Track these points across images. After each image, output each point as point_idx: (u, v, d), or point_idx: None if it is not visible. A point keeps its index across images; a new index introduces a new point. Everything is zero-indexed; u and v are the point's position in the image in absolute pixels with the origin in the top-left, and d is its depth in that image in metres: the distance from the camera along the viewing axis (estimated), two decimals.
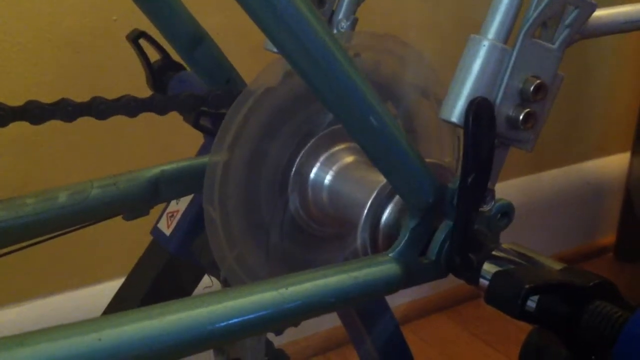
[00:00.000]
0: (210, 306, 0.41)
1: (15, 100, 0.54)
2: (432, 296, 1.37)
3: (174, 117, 0.62)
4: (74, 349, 0.36)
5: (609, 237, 1.65)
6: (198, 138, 0.67)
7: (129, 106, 0.54)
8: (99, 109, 0.53)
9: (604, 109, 1.59)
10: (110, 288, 0.69)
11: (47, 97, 0.55)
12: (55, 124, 0.55)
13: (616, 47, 1.53)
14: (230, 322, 0.41)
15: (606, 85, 1.56)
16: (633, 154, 1.57)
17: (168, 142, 0.98)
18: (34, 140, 0.93)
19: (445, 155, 0.63)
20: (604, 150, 1.61)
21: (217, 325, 0.41)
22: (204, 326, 0.40)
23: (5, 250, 0.50)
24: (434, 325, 1.36)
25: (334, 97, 0.45)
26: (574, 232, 1.62)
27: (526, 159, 1.44)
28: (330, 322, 1.15)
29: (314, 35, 0.42)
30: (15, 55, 0.90)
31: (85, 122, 0.56)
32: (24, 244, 0.51)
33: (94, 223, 0.55)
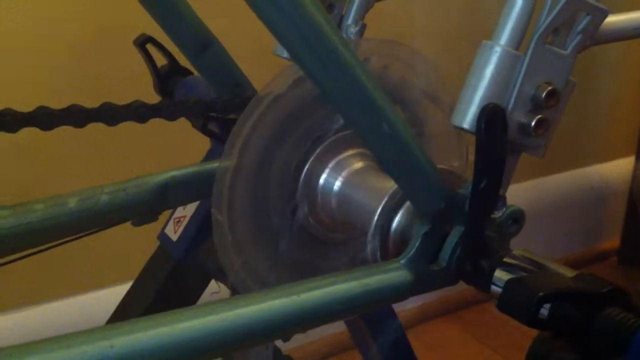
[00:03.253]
0: (222, 314, 0.41)
1: (21, 106, 0.54)
2: (435, 301, 1.37)
3: (179, 121, 0.62)
4: (86, 357, 0.36)
5: (613, 242, 1.64)
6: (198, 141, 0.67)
7: (139, 112, 0.54)
8: (109, 114, 0.53)
9: (608, 113, 1.59)
10: (117, 292, 0.69)
11: (53, 102, 0.55)
12: (62, 129, 0.55)
13: (621, 51, 1.53)
14: (242, 329, 0.41)
15: (610, 89, 1.56)
16: (637, 158, 1.57)
17: (175, 146, 0.98)
18: (42, 145, 0.93)
19: (453, 159, 0.63)
20: (608, 155, 1.61)
21: (228, 333, 0.41)
22: (216, 334, 0.40)
23: (14, 256, 0.50)
24: (437, 330, 1.36)
25: (345, 102, 0.45)
26: (578, 236, 1.62)
27: (531, 163, 1.44)
28: (335, 327, 1.15)
29: (326, 40, 0.42)
30: (20, 61, 0.90)
31: (92, 127, 0.56)
32: (33, 249, 0.51)
33: (103, 229, 0.54)
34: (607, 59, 1.52)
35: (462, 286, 0.50)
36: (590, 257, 1.63)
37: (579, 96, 1.53)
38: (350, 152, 0.58)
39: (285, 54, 0.63)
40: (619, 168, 1.62)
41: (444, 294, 1.37)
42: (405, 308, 1.31)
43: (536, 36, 0.46)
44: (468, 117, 0.46)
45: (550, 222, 1.53)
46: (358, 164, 0.57)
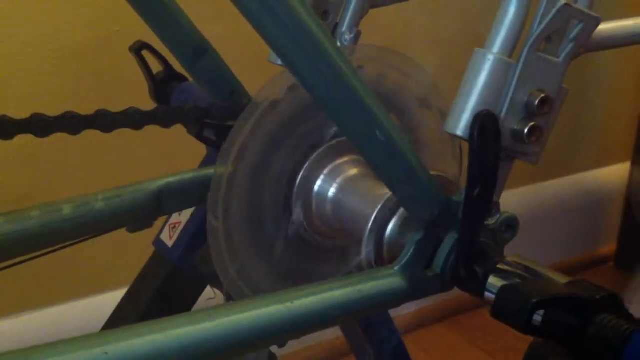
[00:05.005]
0: (216, 320, 0.41)
1: (18, 111, 0.54)
2: (433, 306, 1.37)
3: (175, 127, 0.62)
4: None
5: (609, 247, 1.65)
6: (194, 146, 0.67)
7: (134, 119, 0.54)
8: (104, 121, 0.53)
9: (604, 119, 1.59)
10: (112, 298, 0.69)
11: (49, 108, 0.55)
12: (57, 135, 0.55)
13: (616, 58, 1.53)
14: (237, 336, 0.41)
15: (606, 95, 1.57)
16: (633, 164, 1.58)
17: (169, 152, 0.98)
18: (37, 152, 0.93)
19: (448, 165, 0.63)
20: (604, 161, 1.62)
21: (222, 340, 0.41)
22: (210, 340, 0.40)
23: (10, 262, 0.50)
24: (434, 335, 1.36)
25: (339, 110, 0.45)
26: (575, 241, 1.63)
27: (527, 169, 1.44)
28: (332, 332, 1.15)
29: (319, 48, 0.42)
30: (17, 66, 0.90)
31: (88, 133, 0.56)
32: (29, 256, 0.51)
33: (98, 235, 0.55)
34: (603, 65, 1.53)
35: (458, 291, 0.51)
36: (588, 262, 1.63)
37: (575, 102, 1.54)
38: (345, 158, 0.58)
39: (280, 62, 0.63)
40: (615, 173, 1.63)
41: (441, 299, 1.37)
42: (402, 313, 1.31)
43: (529, 44, 0.46)
44: (461, 124, 0.46)
45: (547, 227, 1.53)
46: (353, 171, 0.57)
